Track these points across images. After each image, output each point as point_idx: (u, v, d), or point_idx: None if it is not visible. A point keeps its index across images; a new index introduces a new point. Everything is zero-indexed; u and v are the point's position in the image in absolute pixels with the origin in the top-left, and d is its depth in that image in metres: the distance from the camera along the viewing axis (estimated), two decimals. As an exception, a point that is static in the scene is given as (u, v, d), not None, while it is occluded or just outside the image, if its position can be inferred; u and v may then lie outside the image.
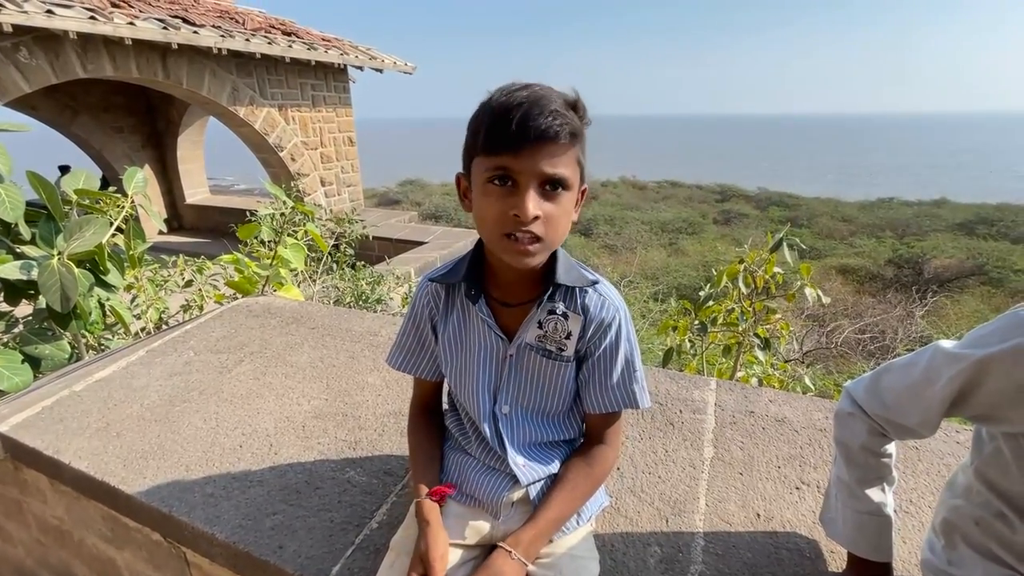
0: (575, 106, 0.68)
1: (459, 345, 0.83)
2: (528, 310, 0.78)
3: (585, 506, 0.84)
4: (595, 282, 0.79)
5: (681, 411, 1.22)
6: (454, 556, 0.77)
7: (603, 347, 0.79)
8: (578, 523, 0.84)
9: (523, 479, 0.80)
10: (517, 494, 0.81)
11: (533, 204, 0.65)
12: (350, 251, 4.11)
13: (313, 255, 4.03)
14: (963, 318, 10.32)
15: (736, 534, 0.91)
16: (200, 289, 2.82)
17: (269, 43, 6.26)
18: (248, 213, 2.94)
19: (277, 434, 1.18)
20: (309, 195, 7.53)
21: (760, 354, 2.52)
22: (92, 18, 4.53)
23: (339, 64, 7.61)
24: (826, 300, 2.51)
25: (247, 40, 5.96)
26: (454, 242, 7.06)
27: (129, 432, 1.21)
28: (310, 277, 3.83)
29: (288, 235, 2.14)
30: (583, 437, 0.89)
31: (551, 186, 0.66)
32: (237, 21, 6.43)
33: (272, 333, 1.63)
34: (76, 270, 1.98)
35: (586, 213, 20.85)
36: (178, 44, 5.30)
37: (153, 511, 1.00)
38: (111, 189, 2.34)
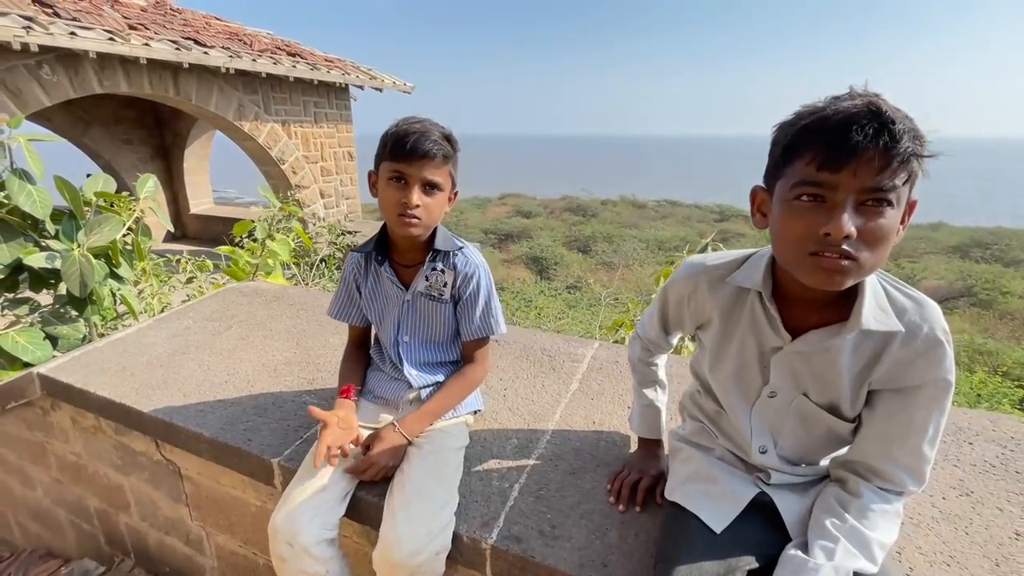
0: (448, 138, 1.05)
1: (375, 295, 1.19)
2: (418, 269, 1.14)
3: (461, 405, 1.18)
4: (461, 247, 1.15)
5: (564, 361, 1.56)
6: (366, 434, 1.11)
7: (469, 292, 1.14)
8: (454, 415, 1.18)
9: (415, 384, 1.17)
10: (411, 395, 1.17)
11: (416, 197, 1.01)
12: (339, 255, 4.47)
13: (306, 260, 4.38)
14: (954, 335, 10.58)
15: (574, 432, 1.25)
16: (200, 285, 3.16)
17: (274, 63, 6.72)
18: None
19: (254, 374, 1.51)
20: (308, 206, 7.93)
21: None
22: (111, 39, 4.96)
23: (340, 83, 8.08)
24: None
25: (254, 60, 6.41)
26: (445, 252, 7.42)
27: (140, 373, 1.53)
28: (303, 280, 4.17)
29: (277, 232, 2.48)
30: (463, 359, 1.24)
31: (429, 187, 1.03)
32: (245, 42, 6.90)
33: (257, 308, 1.96)
34: (94, 261, 2.32)
35: (584, 231, 21.25)
36: (189, 63, 5.75)
37: (158, 422, 1.32)
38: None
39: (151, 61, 5.52)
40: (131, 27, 5.49)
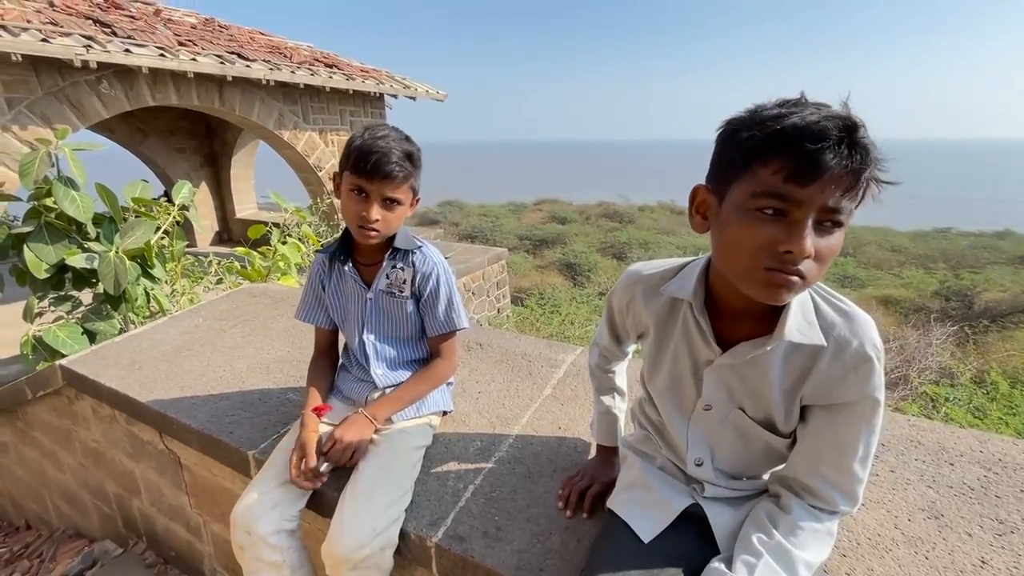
0: (410, 156, 1.10)
1: (339, 295, 1.24)
2: (379, 268, 1.19)
3: (425, 403, 1.22)
4: (420, 247, 1.20)
5: (542, 366, 1.57)
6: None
7: (429, 289, 1.19)
8: (417, 413, 1.21)
9: (380, 383, 1.21)
10: (376, 394, 1.20)
11: (376, 212, 1.08)
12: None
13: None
14: (1016, 353, 9.85)
15: (538, 437, 1.26)
16: (229, 286, 3.34)
17: (312, 75, 7.02)
18: (269, 224, 3.48)
19: (248, 371, 1.60)
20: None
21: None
22: (162, 55, 5.33)
23: (375, 92, 8.35)
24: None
25: (292, 72, 6.73)
26: (472, 258, 7.52)
27: (147, 367, 1.66)
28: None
29: (288, 236, 2.61)
30: (430, 355, 1.28)
31: (389, 202, 1.09)
32: (285, 55, 7.25)
33: (263, 308, 2.07)
34: (128, 262, 2.51)
35: (620, 237, 20.98)
36: (232, 76, 6.09)
37: (154, 412, 1.43)
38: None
39: (198, 75, 5.88)
40: (181, 43, 5.87)
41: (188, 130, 8.77)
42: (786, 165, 0.58)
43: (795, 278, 0.62)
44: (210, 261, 3.73)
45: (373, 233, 1.09)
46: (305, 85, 7.06)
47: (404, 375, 1.24)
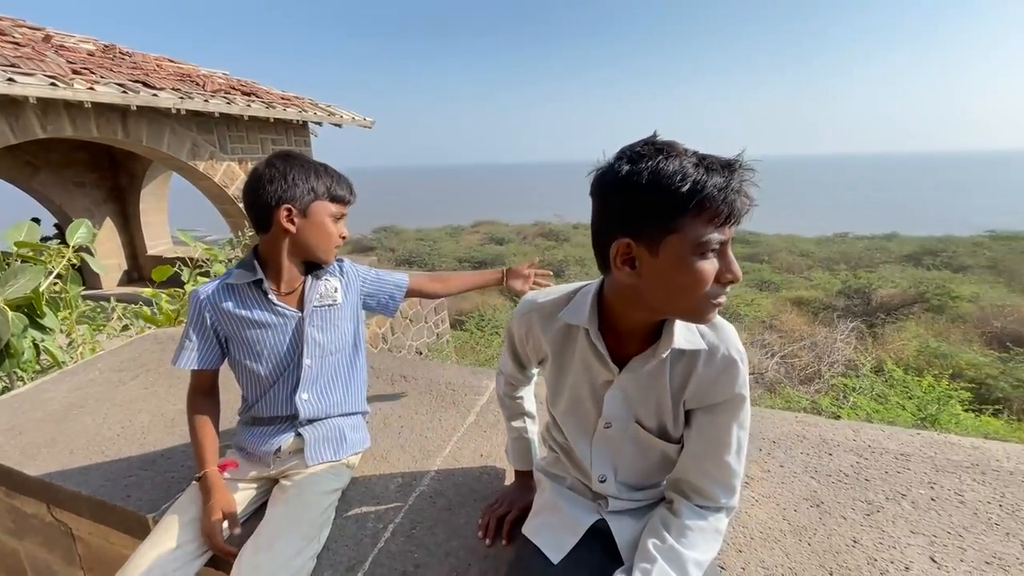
0: (350, 184, 1.21)
1: (260, 328, 1.16)
2: (298, 290, 1.19)
3: (344, 444, 1.21)
4: (341, 260, 1.26)
5: (466, 394, 1.59)
6: (247, 495, 1.11)
7: (362, 276, 1.30)
8: (335, 456, 1.18)
9: (303, 412, 1.18)
10: (287, 443, 1.17)
11: (344, 229, 1.21)
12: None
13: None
14: (908, 342, 10.96)
15: (459, 468, 1.27)
16: (135, 333, 3.09)
17: (228, 103, 6.75)
18: (177, 264, 3.26)
19: (150, 425, 1.49)
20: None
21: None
22: (53, 84, 4.94)
23: (298, 120, 8.15)
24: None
25: (206, 101, 6.44)
26: (407, 283, 7.43)
27: (30, 430, 1.50)
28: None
29: (200, 275, 2.47)
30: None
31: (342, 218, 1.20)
32: (197, 83, 6.93)
33: (169, 355, 1.94)
34: (10, 313, 2.27)
35: (557, 256, 21.48)
36: (137, 106, 5.74)
37: (39, 482, 1.30)
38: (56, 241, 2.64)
39: (97, 104, 5.49)
40: (75, 71, 5.47)
41: (88, 162, 8.10)
42: (715, 216, 0.68)
43: (726, 296, 0.74)
44: (114, 306, 3.44)
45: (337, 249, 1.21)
46: (221, 114, 6.78)
47: (335, 398, 1.22)
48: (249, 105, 7.06)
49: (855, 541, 1.02)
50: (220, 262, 2.73)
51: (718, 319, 0.84)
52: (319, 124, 8.56)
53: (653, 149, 0.70)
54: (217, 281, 1.18)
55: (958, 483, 1.16)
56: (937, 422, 5.97)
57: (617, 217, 0.73)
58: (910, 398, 7.04)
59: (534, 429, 1.15)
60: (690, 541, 0.82)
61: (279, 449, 1.15)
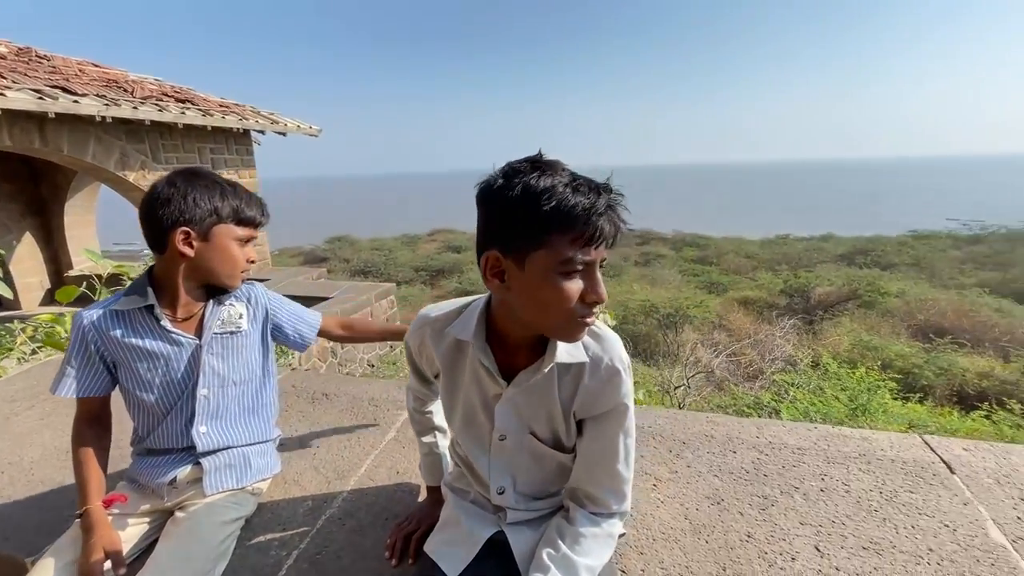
0: (262, 204, 1.17)
1: (151, 357, 1.09)
2: (197, 316, 1.13)
3: (249, 471, 1.16)
4: (252, 284, 1.22)
5: (389, 409, 1.57)
6: (138, 531, 1.04)
7: (273, 303, 1.24)
8: (238, 484, 1.13)
9: (201, 445, 1.11)
10: (184, 473, 1.11)
11: (253, 252, 1.16)
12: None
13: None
14: (843, 336, 11.63)
15: (373, 487, 1.24)
16: (45, 357, 2.87)
17: (160, 110, 6.43)
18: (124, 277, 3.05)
19: (41, 459, 1.39)
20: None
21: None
22: (-43, 92, 4.56)
23: (239, 128, 7.86)
24: (612, 323, 2.98)
25: (135, 108, 6.11)
26: (358, 296, 7.26)
27: (-101, 472, 1.36)
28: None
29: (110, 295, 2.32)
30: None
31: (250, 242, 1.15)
32: (125, 90, 6.57)
33: (74, 380, 1.82)
34: None
35: (515, 262, 21.53)
36: (56, 113, 5.37)
37: (-100, 529, 1.18)
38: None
39: (9, 111, 5.11)
40: (-16, 77, 5.07)
41: (3, 173, 7.51)
42: (580, 236, 0.69)
43: (594, 316, 0.74)
44: (23, 327, 3.19)
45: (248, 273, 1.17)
46: (153, 122, 6.45)
47: (236, 431, 1.16)
48: (184, 112, 6.75)
49: (749, 536, 1.07)
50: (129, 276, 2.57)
51: (603, 329, 0.86)
52: (262, 132, 8.28)
53: (531, 166, 0.71)
54: (103, 305, 1.11)
55: (846, 473, 1.23)
56: (867, 411, 6.36)
57: (490, 229, 0.74)
58: (844, 390, 7.48)
59: (445, 444, 1.15)
60: (583, 548, 0.84)
61: (175, 479, 1.09)
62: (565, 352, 0.82)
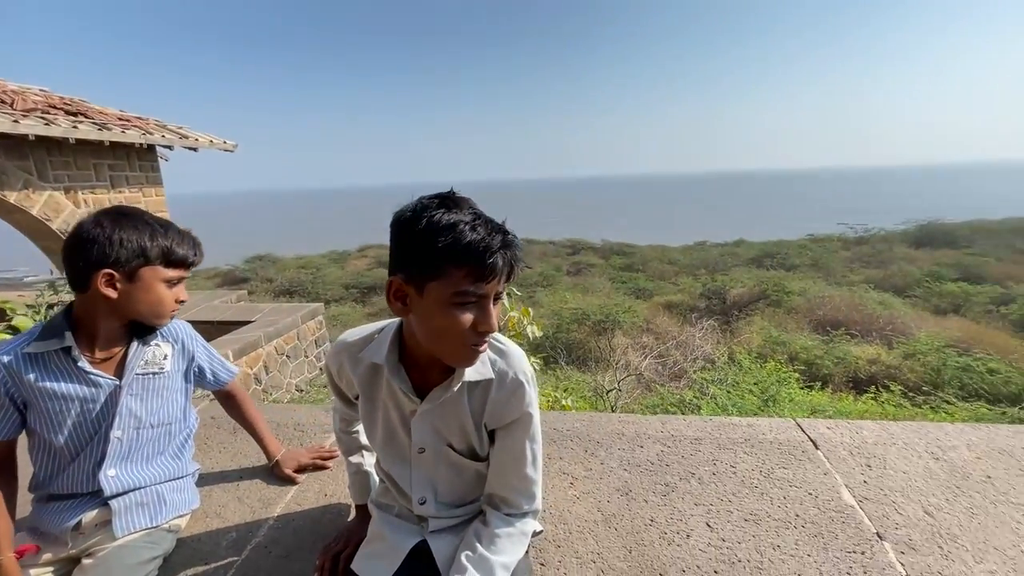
0: (195, 243, 1.15)
1: (65, 400, 1.05)
2: (117, 355, 1.10)
3: (164, 509, 1.13)
4: (178, 323, 1.20)
5: (316, 433, 1.58)
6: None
7: (196, 349, 1.22)
8: (152, 523, 1.11)
9: (109, 489, 1.07)
10: (91, 517, 1.07)
11: (184, 292, 1.14)
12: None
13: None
14: (755, 334, 12.64)
15: (301, 512, 1.26)
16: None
17: (47, 124, 5.87)
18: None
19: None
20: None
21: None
22: None
23: (142, 144, 7.32)
24: (539, 333, 3.13)
25: (15, 121, 5.54)
26: (283, 318, 6.95)
27: None
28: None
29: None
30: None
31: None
32: (4, 101, 5.94)
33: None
34: None
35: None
36: (-83, 129, 4.76)
37: None
38: None
39: None
40: None
41: None
42: (474, 271, 0.76)
43: (486, 343, 0.83)
44: None
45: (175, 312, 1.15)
46: (39, 136, 5.86)
47: (152, 475, 1.13)
48: (75, 127, 6.19)
49: (652, 520, 1.20)
50: (23, 314, 2.36)
51: (507, 344, 0.96)
52: (169, 148, 7.76)
53: (439, 203, 0.79)
54: (14, 345, 1.05)
55: (733, 457, 1.41)
56: (776, 401, 6.97)
57: (397, 256, 0.81)
58: (756, 383, 8.15)
59: (372, 461, 1.18)
60: (498, 547, 0.92)
61: (79, 523, 1.05)
62: (473, 370, 0.90)
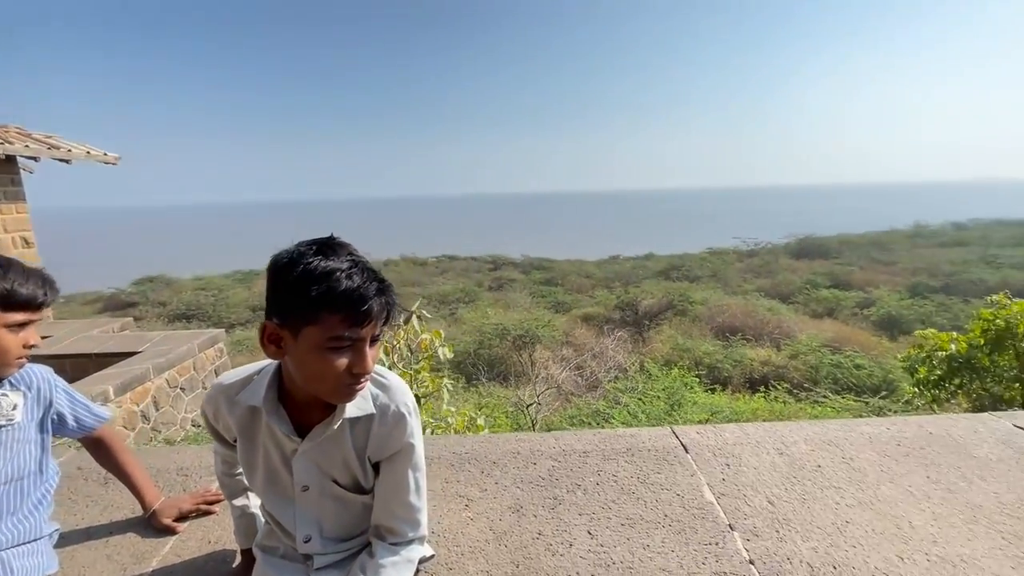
0: (46, 281, 1.07)
1: None
2: None
3: None
4: (31, 369, 1.11)
5: (201, 476, 1.51)
6: None
7: (56, 395, 1.14)
8: None
9: None
10: None
11: (35, 336, 1.05)
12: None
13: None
14: (663, 343, 13.50)
15: (182, 562, 1.21)
16: None
17: None
18: None
19: None
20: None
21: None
22: None
23: (1, 155, 6.45)
24: (450, 355, 3.18)
25: None
26: (176, 347, 6.37)
27: None
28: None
29: None
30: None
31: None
32: None
33: None
34: None
35: (368, 293, 20.82)
36: None
37: None
38: None
39: None
40: None
41: None
42: (349, 316, 0.79)
43: (364, 382, 0.87)
44: None
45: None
46: None
47: (12, 531, 1.03)
48: (-88, 136, 5.35)
49: (539, 533, 1.28)
50: None
51: (389, 378, 1.00)
52: (34, 159, 6.90)
53: (316, 249, 0.83)
54: None
55: (615, 467, 1.54)
56: (681, 405, 7.49)
57: (273, 301, 0.84)
58: (664, 389, 8.72)
59: (258, 503, 1.16)
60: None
61: None
62: (353, 406, 0.93)
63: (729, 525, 1.29)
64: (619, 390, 8.51)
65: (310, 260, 0.81)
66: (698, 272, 24.65)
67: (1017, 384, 4.43)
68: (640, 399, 8.20)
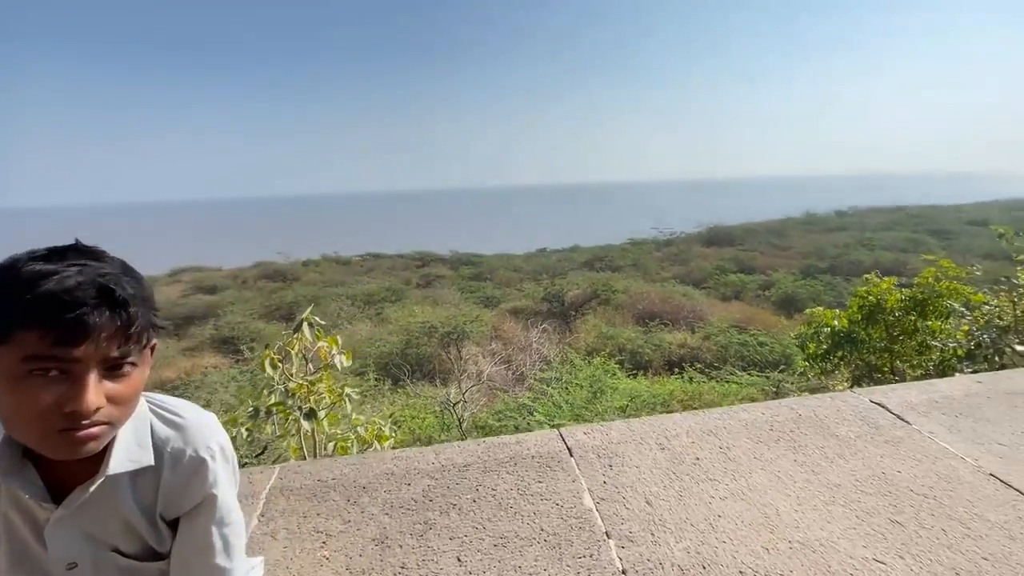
0: None
1: None
2: None
3: None
4: None
5: None
6: None
7: None
8: None
9: None
10: None
11: None
12: None
13: None
14: (587, 332, 13.83)
15: None
16: None
17: None
18: None
19: None
20: None
21: (305, 424, 2.79)
22: None
23: None
24: (347, 363, 2.98)
25: None
26: None
27: None
28: None
29: None
30: None
31: None
32: None
33: None
34: None
35: (286, 297, 19.59)
36: None
37: None
38: None
39: None
40: None
41: None
42: (52, 330, 0.59)
43: (95, 429, 0.64)
44: None
45: None
46: None
47: None
48: None
49: (403, 566, 1.16)
50: None
51: (186, 415, 0.82)
52: None
53: (42, 255, 0.64)
54: None
55: (496, 479, 1.45)
56: (603, 391, 7.69)
57: None
58: (588, 377, 8.93)
59: None
60: None
61: None
62: (125, 459, 0.74)
63: (606, 533, 1.24)
64: (544, 382, 8.60)
65: (23, 265, 0.62)
66: (620, 262, 25.66)
67: (886, 353, 4.95)
68: (565, 389, 8.34)
